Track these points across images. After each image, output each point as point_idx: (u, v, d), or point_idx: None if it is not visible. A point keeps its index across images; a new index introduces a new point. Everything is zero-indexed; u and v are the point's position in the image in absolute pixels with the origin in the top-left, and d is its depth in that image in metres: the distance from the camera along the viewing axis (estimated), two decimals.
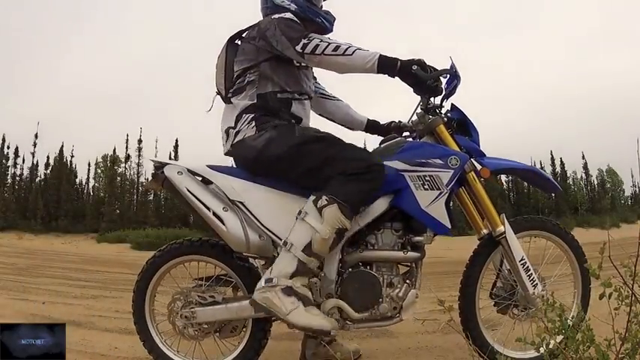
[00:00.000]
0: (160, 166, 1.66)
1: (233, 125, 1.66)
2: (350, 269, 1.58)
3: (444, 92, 1.64)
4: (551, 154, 23.88)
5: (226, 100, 1.72)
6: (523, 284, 1.64)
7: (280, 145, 1.56)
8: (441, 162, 1.57)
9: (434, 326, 2.46)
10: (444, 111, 1.74)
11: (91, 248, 14.05)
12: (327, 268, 1.56)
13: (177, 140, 21.47)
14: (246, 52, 1.68)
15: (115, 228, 17.85)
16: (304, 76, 1.75)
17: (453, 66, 1.62)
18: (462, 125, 1.73)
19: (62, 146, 20.73)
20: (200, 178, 1.64)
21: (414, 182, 1.55)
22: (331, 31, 1.77)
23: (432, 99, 1.69)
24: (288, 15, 1.64)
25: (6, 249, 10.57)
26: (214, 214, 1.56)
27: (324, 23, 1.74)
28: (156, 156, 19.35)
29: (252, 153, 1.60)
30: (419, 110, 1.75)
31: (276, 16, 1.64)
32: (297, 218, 1.49)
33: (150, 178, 1.73)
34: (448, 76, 1.61)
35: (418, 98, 1.71)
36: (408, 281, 1.60)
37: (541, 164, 23.81)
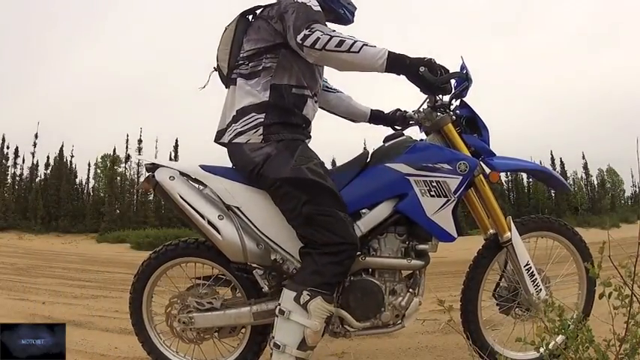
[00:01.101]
0: (152, 168, 1.60)
1: (236, 117, 1.54)
2: (351, 277, 1.52)
3: (453, 91, 1.58)
4: (551, 154, 23.88)
5: (227, 80, 1.62)
6: (527, 289, 1.61)
7: (272, 170, 1.46)
8: (449, 167, 1.49)
9: (434, 326, 2.47)
10: (452, 107, 1.66)
11: (91, 248, 14.03)
12: None
13: (177, 140, 21.48)
14: (262, 31, 1.54)
15: (115, 228, 17.83)
16: (318, 73, 1.64)
17: (464, 67, 1.57)
18: (471, 122, 1.66)
19: (62, 146, 20.73)
20: (193, 181, 1.58)
21: (419, 188, 1.48)
22: (352, 22, 1.68)
23: (440, 97, 1.63)
24: (313, 1, 1.48)
25: (6, 249, 10.56)
26: (209, 222, 1.49)
27: (345, 15, 1.64)
28: (156, 156, 19.46)
29: (250, 165, 1.50)
30: (426, 106, 1.69)
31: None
32: (277, 316, 1.41)
33: (142, 180, 1.67)
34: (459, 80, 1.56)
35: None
36: (411, 289, 1.55)
37: (541, 164, 23.76)
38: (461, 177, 1.49)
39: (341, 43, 1.38)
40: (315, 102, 1.64)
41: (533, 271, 1.61)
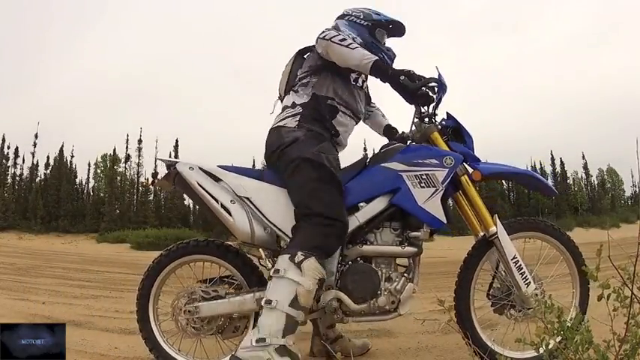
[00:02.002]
0: (171, 164, 1.74)
1: (281, 113, 1.80)
2: (350, 262, 1.65)
3: (435, 101, 1.72)
4: (551, 154, 23.94)
5: (283, 100, 1.91)
6: (516, 283, 1.67)
7: (295, 151, 1.66)
8: (436, 162, 1.66)
9: (434, 326, 2.47)
10: (439, 119, 1.82)
11: (91, 248, 14.06)
12: (328, 261, 1.61)
13: (177, 140, 21.54)
14: (309, 59, 1.84)
15: (115, 228, 17.88)
16: (357, 95, 1.86)
17: (440, 76, 1.68)
18: (456, 132, 1.80)
19: (62, 146, 20.83)
20: (210, 176, 1.72)
21: (411, 181, 1.65)
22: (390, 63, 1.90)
23: (424, 108, 1.78)
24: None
25: (6, 249, 10.57)
26: (222, 205, 1.64)
27: (384, 59, 1.81)
28: (156, 156, 19.84)
29: (276, 143, 1.71)
30: (415, 120, 1.84)
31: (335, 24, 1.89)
32: (272, 277, 1.51)
33: (159, 177, 1.81)
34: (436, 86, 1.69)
35: (412, 109, 1.81)
36: (405, 274, 1.67)
37: (541, 164, 23.81)
38: (447, 169, 1.67)
39: (344, 40, 1.68)
40: (350, 116, 1.84)
41: (520, 264, 1.67)
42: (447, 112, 1.82)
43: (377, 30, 1.85)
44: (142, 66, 39.60)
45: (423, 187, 1.64)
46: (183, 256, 1.73)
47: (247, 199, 1.66)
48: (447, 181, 1.66)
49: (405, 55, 1.55)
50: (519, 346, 1.35)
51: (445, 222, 1.66)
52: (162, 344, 1.71)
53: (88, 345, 2.16)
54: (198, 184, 1.67)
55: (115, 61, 38.16)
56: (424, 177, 1.65)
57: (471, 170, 1.74)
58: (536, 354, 1.35)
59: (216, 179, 1.70)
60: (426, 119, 1.79)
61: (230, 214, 1.64)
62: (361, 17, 1.85)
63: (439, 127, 1.78)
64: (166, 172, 1.75)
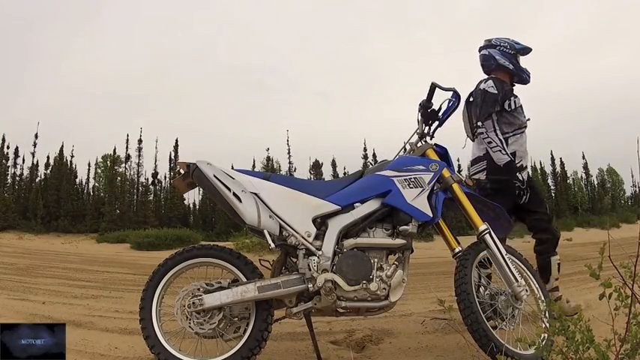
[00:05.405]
0: (190, 163, 1.90)
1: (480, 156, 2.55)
2: (345, 250, 1.79)
3: (440, 120, 2.10)
4: (551, 154, 23.90)
5: (473, 138, 2.59)
6: (509, 278, 1.82)
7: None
8: (423, 167, 1.91)
9: (434, 326, 2.47)
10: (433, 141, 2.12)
11: (91, 248, 14.04)
12: (326, 247, 1.77)
13: (177, 140, 21.51)
14: (473, 109, 2.54)
15: (115, 228, 17.82)
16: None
17: (452, 97, 2.04)
18: (443, 158, 2.05)
19: (62, 146, 20.73)
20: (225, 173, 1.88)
21: (401, 184, 1.86)
22: (529, 82, 2.69)
23: (426, 128, 2.12)
24: (491, 88, 2.49)
25: (6, 249, 10.57)
26: (234, 194, 1.81)
27: (528, 78, 2.67)
28: (156, 156, 20.12)
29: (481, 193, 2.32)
30: (415, 139, 2.14)
31: (483, 86, 2.52)
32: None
33: (178, 176, 1.96)
34: (450, 101, 2.04)
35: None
36: (396, 262, 1.79)
37: (541, 164, 23.79)
38: (432, 173, 1.91)
39: (490, 142, 2.53)
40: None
41: (507, 260, 1.84)
42: (436, 143, 2.10)
43: (518, 56, 2.62)
44: (142, 66, 39.55)
45: (412, 187, 1.85)
46: (190, 259, 1.83)
47: (256, 194, 1.84)
48: (433, 182, 1.88)
49: (405, 55, 1.56)
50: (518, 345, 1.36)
51: (430, 216, 1.83)
52: (164, 343, 1.71)
53: (88, 345, 2.17)
54: (214, 176, 1.84)
55: (115, 60, 38.08)
56: (412, 180, 1.86)
57: (463, 177, 2.01)
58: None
59: (230, 177, 1.86)
60: (426, 138, 2.10)
61: (240, 200, 1.80)
62: (508, 47, 2.61)
63: (434, 147, 2.05)
64: (184, 172, 1.90)
